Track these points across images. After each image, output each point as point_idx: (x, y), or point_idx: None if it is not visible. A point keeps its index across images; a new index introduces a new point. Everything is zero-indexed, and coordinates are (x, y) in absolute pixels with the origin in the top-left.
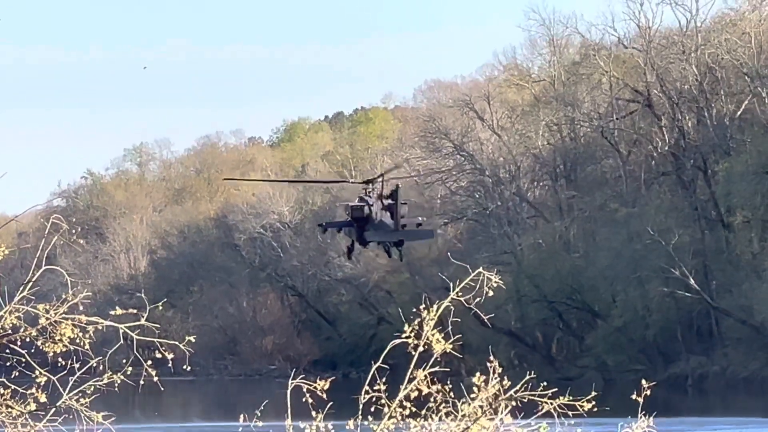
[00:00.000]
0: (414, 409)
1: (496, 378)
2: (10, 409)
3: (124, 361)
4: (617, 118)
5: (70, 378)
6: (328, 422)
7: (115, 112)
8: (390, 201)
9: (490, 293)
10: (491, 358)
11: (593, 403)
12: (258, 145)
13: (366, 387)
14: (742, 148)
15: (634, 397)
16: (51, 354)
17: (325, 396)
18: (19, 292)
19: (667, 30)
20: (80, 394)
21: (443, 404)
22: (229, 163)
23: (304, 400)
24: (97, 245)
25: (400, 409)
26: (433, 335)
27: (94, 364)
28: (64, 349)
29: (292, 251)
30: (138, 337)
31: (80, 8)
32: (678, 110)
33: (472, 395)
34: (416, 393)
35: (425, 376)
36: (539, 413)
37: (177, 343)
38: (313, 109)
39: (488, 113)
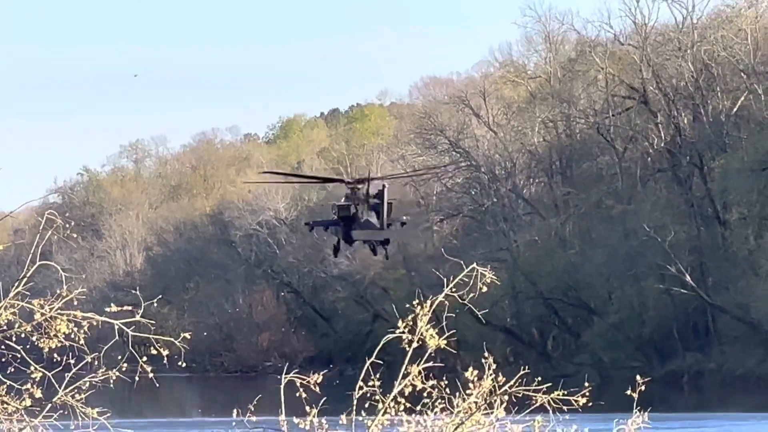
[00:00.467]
0: (409, 405)
1: (491, 374)
2: (5, 405)
3: (120, 357)
4: (613, 115)
5: (66, 374)
6: (322, 418)
7: (111, 109)
8: (376, 201)
9: (485, 289)
10: (486, 354)
11: (587, 397)
12: (254, 142)
13: (360, 383)
14: (738, 144)
15: (629, 392)
16: (46, 350)
17: (320, 392)
18: (14, 287)
19: (663, 26)
20: (76, 390)
21: (438, 400)
22: (225, 159)
23: (297, 394)
24: (93, 242)
25: (395, 405)
26: (427, 331)
27: (90, 361)
28: (59, 345)
29: (288, 248)
30: (133, 333)
31: (77, 6)
32: (674, 107)
33: (468, 391)
34: (411, 389)
35: (420, 371)
36: (534, 408)
37: (172, 339)
38: (308, 105)
39: (484, 110)
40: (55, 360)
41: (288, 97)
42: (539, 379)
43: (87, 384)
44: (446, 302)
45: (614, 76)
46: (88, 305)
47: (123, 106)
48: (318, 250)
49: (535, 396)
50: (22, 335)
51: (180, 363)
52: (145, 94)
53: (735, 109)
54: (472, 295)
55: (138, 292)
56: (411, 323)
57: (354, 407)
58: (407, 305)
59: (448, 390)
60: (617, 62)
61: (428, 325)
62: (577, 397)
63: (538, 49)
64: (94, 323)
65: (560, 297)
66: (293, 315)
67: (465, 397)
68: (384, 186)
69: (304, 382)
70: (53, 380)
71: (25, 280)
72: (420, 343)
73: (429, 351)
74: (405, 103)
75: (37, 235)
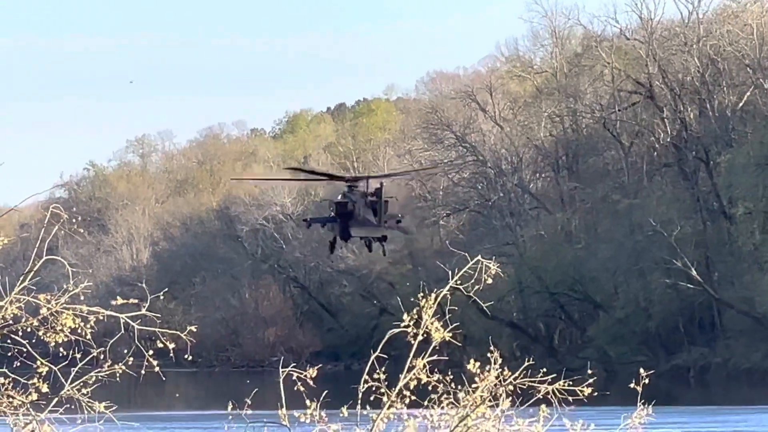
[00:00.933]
0: (414, 398)
1: (495, 367)
2: (11, 399)
3: (126, 351)
4: (619, 110)
5: (72, 369)
6: (323, 411)
7: (117, 104)
8: (374, 198)
9: (490, 281)
10: (492, 349)
11: (591, 389)
12: (260, 137)
13: (365, 376)
14: (744, 139)
15: (632, 385)
16: (52, 344)
17: (327, 387)
18: (20, 282)
19: (669, 21)
20: (82, 385)
21: (444, 394)
22: (232, 154)
23: (295, 389)
24: (99, 237)
25: (400, 399)
26: (432, 324)
27: (96, 355)
28: (65, 339)
29: (295, 243)
30: (139, 327)
31: None
32: (680, 102)
33: (474, 385)
34: (416, 382)
35: (425, 365)
36: (539, 400)
37: (178, 332)
38: (315, 100)
39: (490, 105)
40: (61, 354)
41: (294, 91)
42: (544, 370)
43: (93, 378)
44: (449, 296)
45: (620, 71)
46: (94, 300)
47: (129, 100)
48: (324, 245)
49: (540, 387)
50: (28, 330)
51: (186, 356)
52: (151, 88)
53: (741, 104)
54: (477, 287)
55: (144, 286)
56: (416, 316)
57: (359, 401)
58: (413, 300)
59: (453, 384)
60: (623, 57)
61: (433, 318)
62: (582, 387)
63: (545, 43)
64: (100, 317)
65: (566, 291)
66: (299, 310)
67: (470, 390)
68: (382, 184)
69: (302, 376)
70: (59, 374)
71: (31, 274)
72: (425, 336)
73: (433, 344)
74: (411, 98)
75: (42, 230)
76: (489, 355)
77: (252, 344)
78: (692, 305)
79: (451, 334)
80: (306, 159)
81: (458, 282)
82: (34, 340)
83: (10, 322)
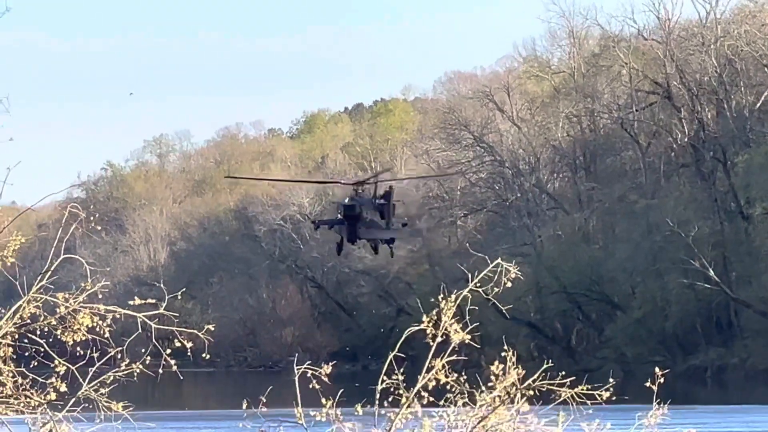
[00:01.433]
0: (432, 399)
1: (514, 367)
2: (29, 399)
3: (143, 350)
4: (637, 110)
5: (90, 369)
6: (337, 410)
7: (135, 104)
8: (382, 201)
9: (509, 284)
10: (507, 348)
11: (611, 391)
12: (278, 137)
13: (383, 376)
14: (762, 139)
15: (648, 384)
16: (70, 344)
17: (344, 386)
18: (38, 281)
19: (686, 22)
20: (99, 385)
21: (460, 395)
22: (249, 154)
23: (310, 386)
24: (116, 237)
25: (417, 399)
26: (451, 325)
27: (116, 355)
28: (82, 338)
29: (312, 243)
30: (156, 326)
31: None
32: (697, 102)
33: (490, 384)
34: (434, 383)
35: (443, 365)
36: (557, 402)
37: (195, 331)
38: (333, 100)
39: (508, 105)
40: (78, 354)
41: (312, 92)
42: (563, 373)
43: (111, 378)
44: (469, 295)
45: (638, 71)
46: (111, 300)
47: (146, 100)
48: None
49: (559, 390)
50: (46, 329)
51: (204, 355)
52: (169, 88)
53: (758, 104)
54: (496, 290)
55: (161, 285)
56: (435, 317)
57: (377, 401)
58: (431, 300)
59: (471, 384)
60: (641, 57)
61: (452, 320)
62: (601, 391)
63: (562, 44)
64: (118, 317)
65: (584, 292)
66: (317, 310)
67: (489, 391)
68: (391, 187)
69: (317, 373)
70: (77, 374)
71: (48, 273)
72: (444, 337)
73: (452, 345)
74: (429, 98)
75: (60, 229)
76: (504, 354)
77: (269, 344)
78: (709, 305)
79: (470, 336)
80: (323, 159)
81: (477, 285)
82: (51, 340)
83: (28, 321)
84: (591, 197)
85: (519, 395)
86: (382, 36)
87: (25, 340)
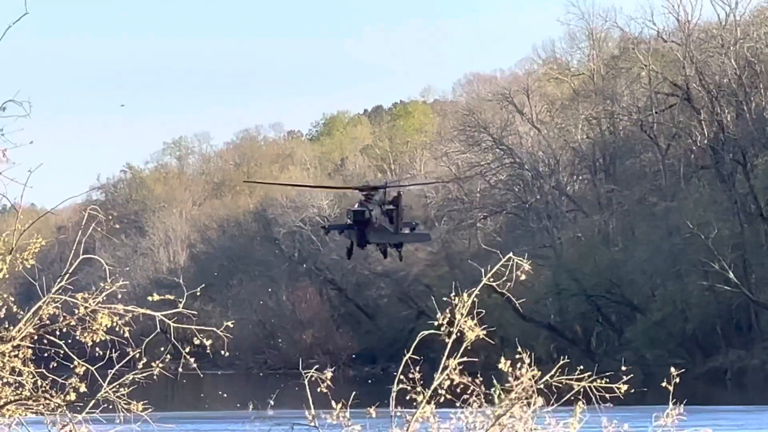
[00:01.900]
0: (450, 397)
1: (528, 366)
2: (48, 401)
3: (162, 349)
4: (656, 112)
5: (108, 371)
6: (348, 411)
7: (154, 106)
8: (391, 207)
9: (523, 277)
10: (523, 350)
11: (627, 386)
12: (297, 139)
13: (399, 377)
14: None
15: (664, 385)
16: (89, 344)
17: (361, 388)
18: (57, 282)
19: (706, 24)
20: (119, 386)
21: (476, 395)
22: (268, 156)
23: (318, 390)
24: (136, 239)
25: (433, 399)
26: (465, 323)
27: (135, 356)
28: (101, 339)
29: (332, 245)
30: (175, 325)
31: (118, 1)
32: (717, 104)
33: (507, 385)
34: (449, 382)
35: (456, 365)
36: (575, 399)
37: (215, 329)
38: (352, 102)
39: (527, 107)
40: (97, 355)
41: (331, 94)
42: (581, 367)
43: (130, 379)
44: (487, 298)
45: (657, 73)
46: (131, 302)
47: (166, 102)
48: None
49: (575, 384)
50: (65, 330)
51: (223, 352)
52: (188, 90)
53: None
54: (509, 285)
55: (181, 281)
56: (449, 316)
57: (393, 401)
58: (444, 299)
59: (484, 385)
60: (660, 59)
61: (467, 317)
62: (618, 384)
63: (582, 46)
64: (138, 317)
65: (603, 294)
66: (337, 312)
67: (506, 392)
68: (400, 193)
69: (321, 377)
70: (97, 375)
71: (68, 275)
72: (459, 336)
73: (465, 344)
74: (448, 100)
75: (80, 232)
76: (519, 355)
77: (289, 347)
78: (729, 307)
79: (484, 333)
80: (343, 161)
81: (491, 279)
82: (70, 341)
83: (47, 322)
84: (610, 199)
85: (535, 395)
86: (401, 38)
87: (45, 341)
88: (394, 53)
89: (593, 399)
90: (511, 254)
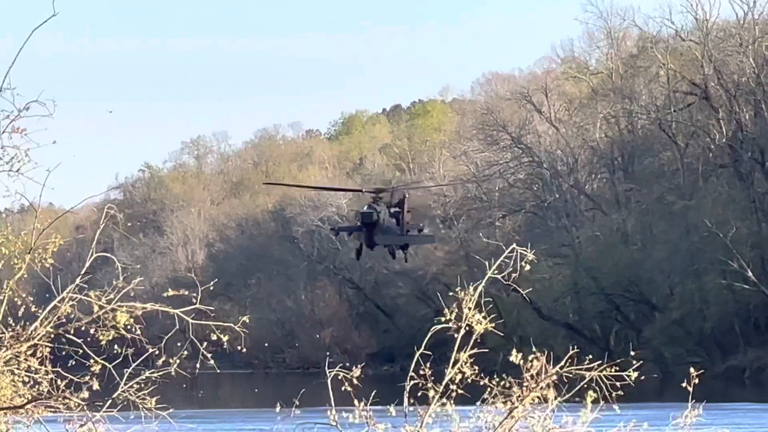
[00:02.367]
0: (462, 392)
1: (535, 358)
2: (66, 400)
3: (179, 344)
4: (675, 111)
5: (125, 370)
6: (369, 411)
7: (172, 105)
8: (397, 209)
9: (527, 267)
10: (538, 349)
11: (637, 373)
12: (316, 138)
13: (411, 373)
14: None
15: (684, 385)
16: (106, 343)
17: (380, 387)
18: (74, 281)
19: (724, 22)
20: (138, 385)
21: (491, 394)
22: (287, 156)
23: (342, 389)
24: (154, 238)
25: (446, 394)
26: (473, 316)
27: (153, 354)
28: (117, 336)
29: (350, 244)
30: (193, 321)
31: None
32: (735, 102)
33: (520, 378)
34: (461, 377)
35: (467, 358)
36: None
37: (232, 324)
38: (370, 101)
39: (546, 106)
40: (116, 351)
41: (350, 93)
42: (590, 357)
43: (149, 378)
44: (507, 295)
45: (676, 72)
46: (149, 301)
47: (184, 102)
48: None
49: (586, 374)
50: (82, 328)
51: (240, 347)
52: (206, 90)
53: None
54: (514, 275)
55: (200, 280)
56: (457, 310)
57: (406, 398)
58: (449, 294)
59: (499, 382)
60: (679, 58)
61: (474, 311)
62: (629, 372)
63: (600, 45)
64: (155, 316)
65: (622, 293)
66: (355, 311)
67: (519, 386)
68: (405, 195)
69: (348, 376)
70: (114, 373)
71: (84, 272)
72: (468, 329)
73: (474, 336)
74: (467, 99)
75: (97, 230)
76: (535, 353)
77: (308, 346)
78: (748, 306)
79: (492, 325)
80: (361, 160)
81: (502, 276)
82: (88, 339)
83: (64, 320)
84: (629, 198)
85: (549, 388)
86: (419, 38)
87: (62, 340)
88: (412, 52)
89: (604, 389)
90: (514, 245)
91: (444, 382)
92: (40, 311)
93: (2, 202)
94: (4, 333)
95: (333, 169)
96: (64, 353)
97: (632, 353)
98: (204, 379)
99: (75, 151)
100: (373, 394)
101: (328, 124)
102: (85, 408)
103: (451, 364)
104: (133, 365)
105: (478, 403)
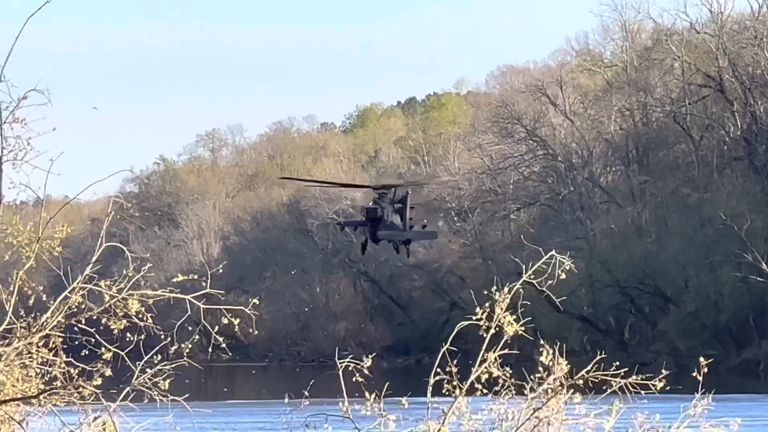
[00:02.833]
0: (485, 391)
1: (560, 361)
2: (82, 388)
3: (190, 328)
4: (689, 103)
5: (138, 363)
6: (381, 402)
7: (188, 98)
8: (400, 205)
9: (563, 276)
10: (556, 342)
11: (664, 382)
12: (330, 131)
13: (437, 368)
14: None
15: (694, 375)
16: (117, 332)
17: (394, 380)
18: (84, 271)
19: (739, 15)
20: (152, 375)
21: (508, 389)
22: (302, 149)
23: (354, 380)
24: (169, 231)
25: (471, 391)
26: (504, 317)
27: (167, 344)
28: (130, 325)
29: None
30: (205, 306)
31: None
32: (750, 95)
33: (539, 375)
34: (487, 375)
35: (496, 358)
36: (609, 392)
37: (243, 308)
38: (385, 94)
39: (561, 98)
40: (128, 339)
41: (365, 86)
42: (617, 363)
43: (163, 368)
44: (522, 290)
45: (690, 64)
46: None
47: (199, 95)
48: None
49: (612, 380)
50: (95, 318)
51: (251, 330)
52: (221, 83)
53: None
54: (550, 282)
55: (213, 271)
56: (488, 310)
57: (429, 393)
58: (485, 293)
59: (522, 378)
60: (693, 51)
61: (506, 312)
62: (655, 381)
63: (615, 37)
64: (167, 306)
65: (637, 285)
66: (370, 304)
67: (539, 383)
68: (408, 192)
69: (359, 367)
70: (128, 361)
71: (95, 262)
72: (497, 329)
73: (505, 338)
74: (482, 92)
75: (106, 220)
76: (553, 348)
77: (322, 338)
78: (763, 299)
79: (523, 328)
80: (376, 153)
81: (531, 276)
82: (101, 328)
83: (76, 310)
84: (644, 191)
85: (567, 388)
86: (434, 31)
87: (75, 329)
88: (427, 45)
89: (627, 393)
90: (553, 252)
91: (470, 380)
92: (52, 302)
93: (10, 193)
94: (16, 324)
95: (348, 162)
96: (77, 343)
97: (663, 372)
98: (218, 372)
99: (90, 143)
100: (386, 386)
101: (342, 117)
102: (100, 396)
103: (478, 362)
104: (147, 357)
105: (492, 395)
